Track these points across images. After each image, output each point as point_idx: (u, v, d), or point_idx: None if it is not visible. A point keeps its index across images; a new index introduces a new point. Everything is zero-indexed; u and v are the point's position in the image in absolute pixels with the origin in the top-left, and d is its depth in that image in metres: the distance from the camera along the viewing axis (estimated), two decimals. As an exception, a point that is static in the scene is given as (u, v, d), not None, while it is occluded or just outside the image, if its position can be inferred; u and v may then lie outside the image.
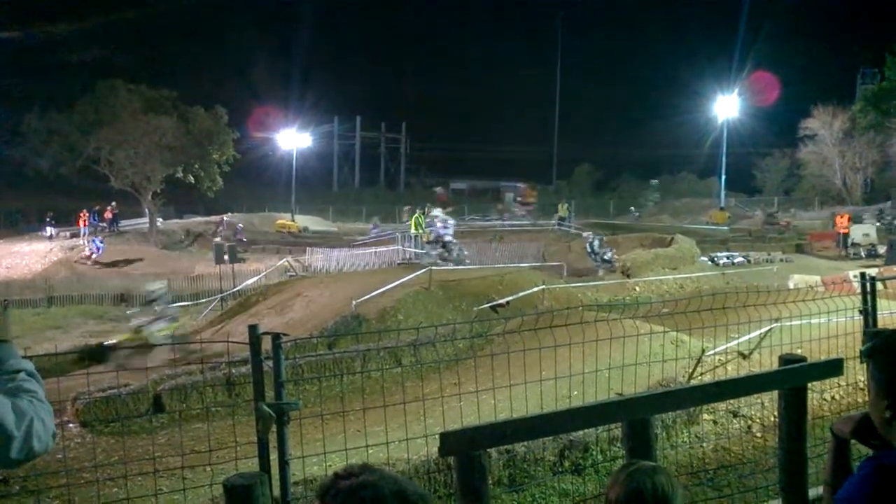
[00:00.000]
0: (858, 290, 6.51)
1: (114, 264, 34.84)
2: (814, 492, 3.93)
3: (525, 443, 6.07)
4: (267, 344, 3.88)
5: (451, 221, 24.14)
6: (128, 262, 35.34)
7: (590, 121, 78.95)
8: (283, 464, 3.81)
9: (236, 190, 56.12)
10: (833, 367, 4.03)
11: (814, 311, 6.21)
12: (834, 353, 5.11)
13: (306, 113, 61.93)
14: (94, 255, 34.96)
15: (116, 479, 6.96)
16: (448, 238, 22.93)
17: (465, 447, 3.13)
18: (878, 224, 33.94)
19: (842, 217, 31.89)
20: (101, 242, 35.91)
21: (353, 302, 14.91)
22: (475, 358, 9.13)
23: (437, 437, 3.13)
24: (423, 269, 17.32)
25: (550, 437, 6.19)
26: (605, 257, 24.53)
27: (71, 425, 9.92)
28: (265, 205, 59.05)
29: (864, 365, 1.99)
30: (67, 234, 42.40)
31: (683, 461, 6.52)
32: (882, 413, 1.86)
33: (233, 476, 3.32)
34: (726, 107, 50.32)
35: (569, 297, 16.15)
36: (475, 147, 76.07)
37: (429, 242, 23.57)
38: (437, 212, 24.79)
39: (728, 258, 26.35)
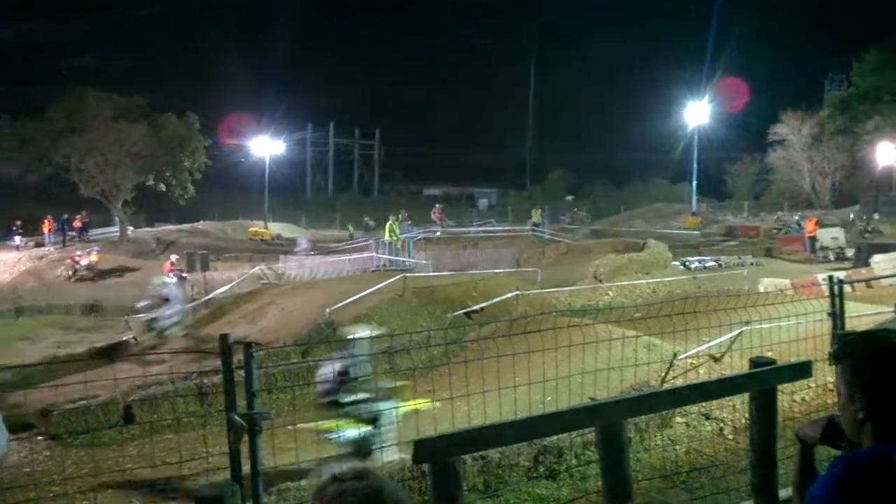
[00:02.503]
0: (827, 294, 6.61)
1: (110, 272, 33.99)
2: (785, 493, 3.96)
3: (499, 449, 6.07)
4: (239, 353, 3.85)
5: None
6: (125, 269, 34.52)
7: (564, 126, 79.41)
8: (255, 474, 3.78)
9: (208, 197, 55.63)
10: (802, 370, 4.10)
11: (783, 314, 6.31)
12: (803, 356, 5.18)
13: (279, 119, 61.58)
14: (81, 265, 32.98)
15: (86, 492, 6.86)
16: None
17: (439, 454, 3.12)
18: (859, 225, 34.85)
19: (810, 221, 32.33)
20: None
21: (327, 310, 14.83)
22: (449, 364, 9.13)
23: (411, 444, 3.12)
24: (397, 276, 17.29)
25: (525, 443, 6.20)
26: None
27: (40, 438, 9.75)
28: (238, 212, 58.62)
29: (833, 367, 2.02)
30: (33, 243, 41.74)
31: (657, 464, 6.55)
32: (855, 415, 1.88)
33: (204, 486, 3.28)
34: (697, 113, 50.87)
35: (542, 303, 16.21)
36: (449, 153, 76.13)
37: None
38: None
39: (700, 262, 26.59)
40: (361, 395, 6.44)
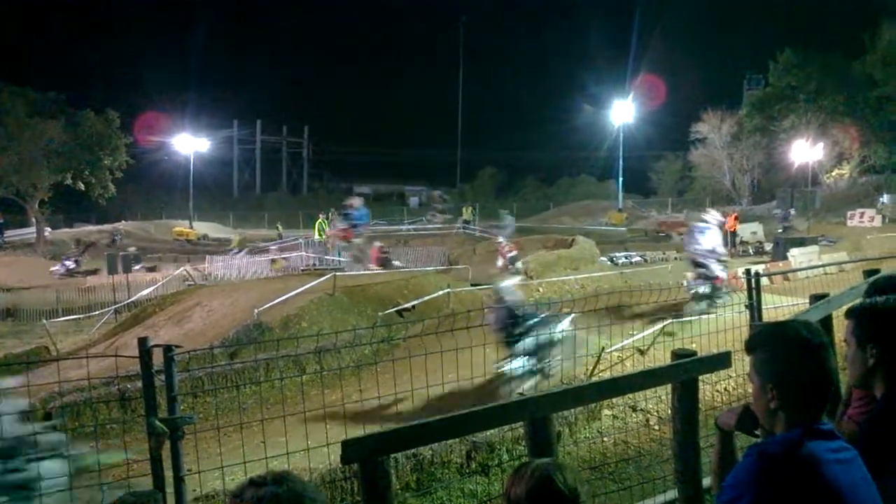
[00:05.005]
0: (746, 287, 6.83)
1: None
2: (708, 481, 4.07)
3: (431, 446, 6.06)
4: (159, 357, 3.74)
5: None
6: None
7: (493, 125, 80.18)
8: (178, 480, 3.68)
9: (130, 196, 54.09)
10: (721, 361, 4.21)
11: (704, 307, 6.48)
12: (723, 347, 5.33)
13: (205, 116, 60.29)
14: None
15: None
16: None
17: (368, 454, 3.09)
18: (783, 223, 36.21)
19: (730, 216, 33.39)
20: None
21: (255, 310, 14.55)
22: (376, 364, 9.08)
23: (339, 444, 3.08)
24: (328, 276, 17.10)
25: (456, 440, 6.21)
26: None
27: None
28: (161, 211, 57.14)
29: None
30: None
31: (586, 456, 6.65)
32: (767, 404, 1.94)
33: (125, 495, 3.19)
34: (622, 112, 51.95)
35: (474, 300, 16.27)
36: (379, 151, 75.90)
37: None
38: None
39: (626, 258, 27.13)
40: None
